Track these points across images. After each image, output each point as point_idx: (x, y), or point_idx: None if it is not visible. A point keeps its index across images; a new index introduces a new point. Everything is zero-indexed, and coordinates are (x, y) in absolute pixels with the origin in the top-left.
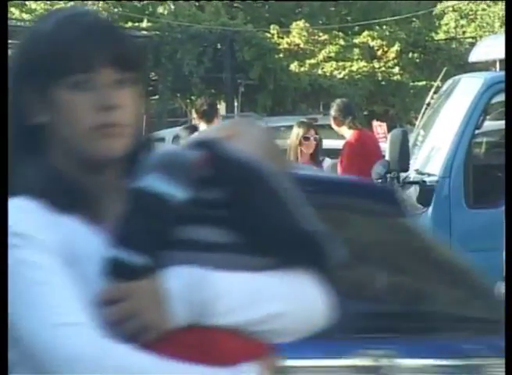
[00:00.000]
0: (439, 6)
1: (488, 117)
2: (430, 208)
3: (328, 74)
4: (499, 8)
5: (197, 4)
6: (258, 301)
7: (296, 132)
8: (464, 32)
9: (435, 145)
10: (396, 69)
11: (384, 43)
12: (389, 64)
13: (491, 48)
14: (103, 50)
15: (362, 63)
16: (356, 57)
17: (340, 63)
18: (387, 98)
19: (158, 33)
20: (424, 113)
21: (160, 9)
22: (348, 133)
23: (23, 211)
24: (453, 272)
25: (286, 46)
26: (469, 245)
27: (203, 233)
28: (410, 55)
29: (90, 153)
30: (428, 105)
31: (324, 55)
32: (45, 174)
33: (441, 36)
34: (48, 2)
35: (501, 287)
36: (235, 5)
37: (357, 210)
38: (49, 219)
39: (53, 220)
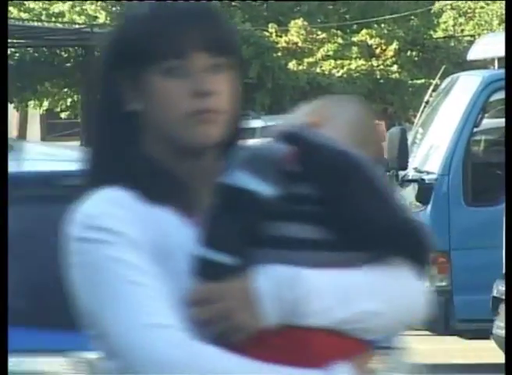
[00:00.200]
0: (438, 4)
1: (486, 115)
2: (429, 206)
3: (326, 72)
4: (498, 6)
5: None
6: (352, 299)
7: None
8: (462, 30)
9: (433, 143)
10: (395, 68)
11: (382, 41)
12: (388, 62)
13: (489, 46)
14: (197, 35)
15: (360, 61)
16: (354, 55)
17: (339, 61)
18: (385, 96)
19: None
20: (422, 111)
21: None
22: None
23: (114, 203)
24: None
25: (284, 44)
26: (468, 243)
27: (294, 229)
28: (409, 53)
29: (184, 140)
30: (427, 103)
31: (322, 53)
32: (138, 163)
33: (439, 34)
34: (47, 2)
35: (500, 285)
36: (233, 3)
37: None
38: (141, 212)
39: (145, 213)
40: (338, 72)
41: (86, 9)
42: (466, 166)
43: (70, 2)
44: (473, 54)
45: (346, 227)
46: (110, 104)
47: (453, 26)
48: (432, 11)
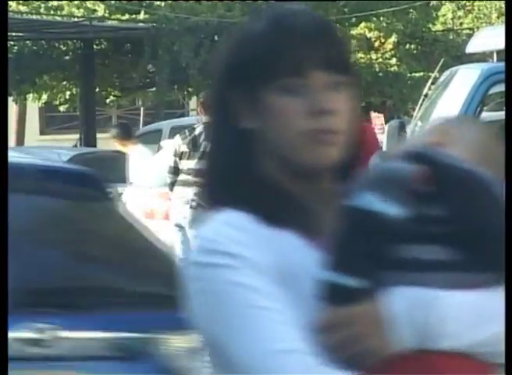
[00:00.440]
0: None
1: (485, 108)
2: None
3: None
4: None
5: None
6: (484, 321)
7: None
8: (461, 23)
9: None
10: (394, 61)
11: (381, 34)
12: (387, 55)
13: (488, 39)
14: (317, 51)
15: (359, 54)
16: (353, 48)
17: None
18: (384, 89)
19: (155, 25)
20: (421, 104)
21: (157, 1)
22: None
23: (236, 227)
24: (136, 250)
25: None
26: None
27: (424, 251)
28: (408, 46)
29: (303, 161)
30: (426, 96)
31: None
32: (256, 184)
33: (438, 27)
34: None
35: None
36: None
37: (53, 194)
38: (264, 235)
39: (268, 236)
40: None
41: (85, 2)
42: None
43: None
44: (472, 47)
45: (476, 248)
46: (225, 120)
47: (452, 19)
48: (431, 4)
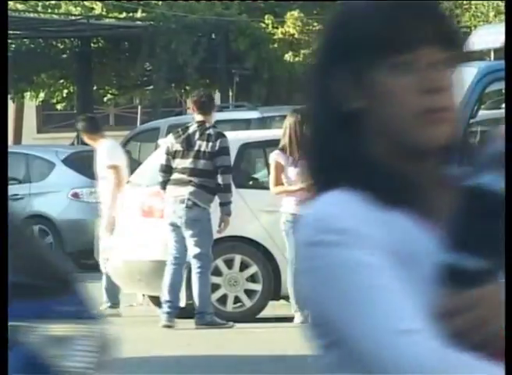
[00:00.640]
0: None
1: (482, 106)
2: None
3: None
4: None
5: None
6: None
7: (292, 120)
8: (458, 21)
9: None
10: None
11: None
12: None
13: (486, 37)
14: (428, 27)
15: None
16: None
17: None
18: None
19: (152, 23)
20: None
21: (154, 0)
22: None
23: (343, 204)
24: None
25: (280, 36)
26: None
27: None
28: None
29: (417, 141)
30: None
31: None
32: (365, 165)
33: None
34: None
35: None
36: None
37: None
38: (374, 215)
39: (378, 216)
40: None
41: (82, 1)
42: None
43: None
44: (469, 45)
45: None
46: (330, 101)
47: None
48: None
